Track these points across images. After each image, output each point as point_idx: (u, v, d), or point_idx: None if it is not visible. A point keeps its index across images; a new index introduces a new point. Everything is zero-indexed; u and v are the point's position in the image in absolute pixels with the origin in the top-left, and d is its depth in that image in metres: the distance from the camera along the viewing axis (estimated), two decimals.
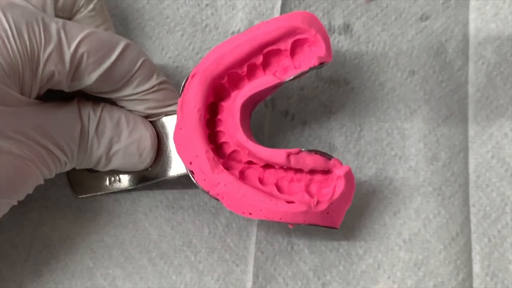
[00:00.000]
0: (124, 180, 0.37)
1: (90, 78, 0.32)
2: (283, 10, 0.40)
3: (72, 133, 0.33)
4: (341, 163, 0.34)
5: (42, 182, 0.33)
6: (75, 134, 0.33)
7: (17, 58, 0.30)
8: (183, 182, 0.36)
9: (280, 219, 0.33)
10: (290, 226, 0.34)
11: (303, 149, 0.33)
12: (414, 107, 0.39)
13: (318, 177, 0.34)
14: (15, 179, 0.30)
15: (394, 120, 0.39)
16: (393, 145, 0.39)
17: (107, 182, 0.37)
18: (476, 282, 0.37)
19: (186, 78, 0.34)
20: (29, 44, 0.30)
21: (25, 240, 0.37)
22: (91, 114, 0.34)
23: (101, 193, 0.37)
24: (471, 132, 0.39)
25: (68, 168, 0.34)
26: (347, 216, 0.35)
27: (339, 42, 0.40)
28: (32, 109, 0.32)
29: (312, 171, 0.34)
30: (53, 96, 0.34)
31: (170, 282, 0.37)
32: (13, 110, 0.30)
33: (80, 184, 0.37)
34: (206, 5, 0.40)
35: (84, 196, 0.37)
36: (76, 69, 0.32)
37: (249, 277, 0.37)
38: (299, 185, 0.34)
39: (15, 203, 0.32)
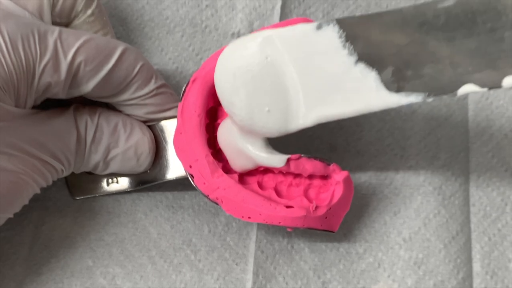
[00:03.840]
0: (122, 182, 0.37)
1: (88, 86, 0.32)
2: (283, 11, 0.40)
3: (68, 142, 0.33)
4: (340, 169, 0.34)
5: (38, 191, 0.33)
6: (71, 143, 0.33)
7: (12, 72, 0.30)
8: (184, 182, 0.36)
9: (279, 223, 0.33)
10: (288, 230, 0.34)
11: (303, 155, 0.33)
12: (415, 107, 0.39)
13: (317, 182, 0.34)
14: (9, 195, 0.30)
15: (395, 120, 0.39)
16: (394, 145, 0.39)
17: (105, 184, 0.37)
18: (476, 281, 0.37)
19: (187, 82, 0.34)
20: (24, 57, 0.30)
21: (25, 240, 0.37)
22: (88, 122, 0.34)
23: (99, 195, 0.37)
24: (471, 132, 0.39)
25: (65, 174, 0.34)
26: (347, 215, 0.35)
27: None
28: (27, 121, 0.31)
29: (311, 176, 0.34)
30: (50, 102, 0.34)
31: (170, 281, 0.37)
32: (6, 125, 0.30)
33: (78, 186, 0.37)
34: (206, 6, 0.40)
35: (82, 197, 0.37)
36: (73, 78, 0.32)
37: (249, 276, 0.37)
38: (297, 190, 0.34)
39: (11, 215, 0.32)
